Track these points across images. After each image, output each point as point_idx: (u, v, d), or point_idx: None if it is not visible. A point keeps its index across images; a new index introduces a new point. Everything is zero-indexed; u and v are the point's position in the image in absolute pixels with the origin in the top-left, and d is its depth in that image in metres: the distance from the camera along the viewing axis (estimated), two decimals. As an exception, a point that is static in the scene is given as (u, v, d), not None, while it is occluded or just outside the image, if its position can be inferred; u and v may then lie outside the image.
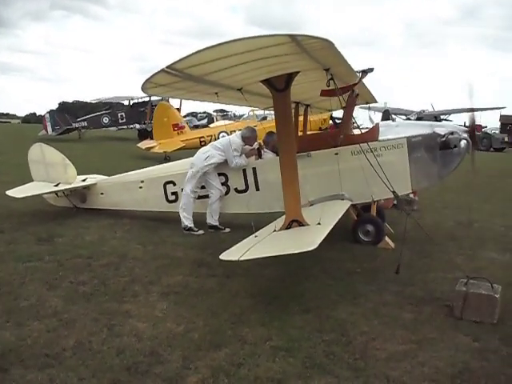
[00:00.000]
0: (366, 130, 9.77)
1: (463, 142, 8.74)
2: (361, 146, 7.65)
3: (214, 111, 61.54)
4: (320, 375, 4.43)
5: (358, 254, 8.22)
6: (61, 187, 10.72)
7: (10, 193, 10.48)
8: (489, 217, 12.07)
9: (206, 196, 9.71)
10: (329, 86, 6.08)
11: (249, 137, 9.57)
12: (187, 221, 9.58)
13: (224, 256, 5.66)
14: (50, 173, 11.03)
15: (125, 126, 36.81)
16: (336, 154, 8.66)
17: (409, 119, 46.50)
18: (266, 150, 9.66)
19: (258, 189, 9.40)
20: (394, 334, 5.25)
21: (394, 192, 7.58)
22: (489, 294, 5.61)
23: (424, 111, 49.48)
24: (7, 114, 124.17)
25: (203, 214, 9.81)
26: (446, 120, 47.90)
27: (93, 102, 46.49)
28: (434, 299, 6.30)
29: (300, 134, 10.65)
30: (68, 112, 45.47)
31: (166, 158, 20.48)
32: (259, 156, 9.60)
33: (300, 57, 5.07)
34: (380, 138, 8.93)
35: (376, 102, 12.87)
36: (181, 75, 5.00)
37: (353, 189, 8.77)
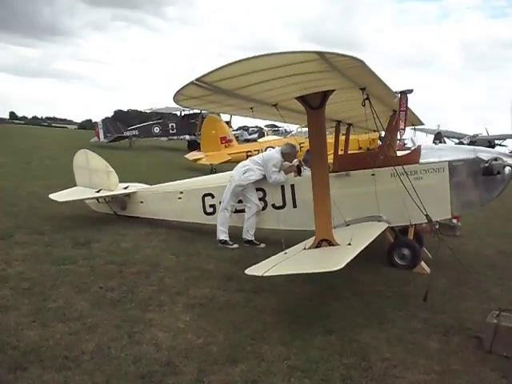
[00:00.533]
0: (408, 152, 9.58)
1: (508, 169, 8.49)
2: (395, 168, 7.51)
3: (265, 126, 61.82)
4: (334, 399, 4.33)
5: (392, 278, 8.04)
6: (102, 193, 10.95)
7: (52, 196, 10.78)
8: (536, 247, 11.59)
9: (243, 210, 9.71)
10: (364, 106, 6.00)
11: (289, 153, 9.55)
12: (223, 234, 9.61)
13: (250, 271, 5.65)
14: (93, 179, 11.29)
15: (175, 137, 37.39)
16: (373, 174, 8.50)
17: (461, 143, 45.53)
18: (305, 167, 9.61)
19: (295, 206, 9.35)
20: (417, 363, 5.09)
21: (427, 216, 7.39)
22: (521, 328, 5.37)
23: (478, 135, 48.29)
24: (65, 120, 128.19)
25: (240, 228, 9.82)
26: (500, 145, 46.68)
27: (146, 111, 47.36)
28: (463, 329, 6.08)
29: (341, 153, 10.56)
30: (122, 120, 46.61)
31: (212, 171, 20.61)
32: (298, 173, 9.54)
33: (332, 75, 5.03)
34: (421, 160, 8.76)
35: (422, 124, 12.68)
36: (211, 88, 5.04)
37: (391, 211, 8.60)
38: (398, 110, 6.92)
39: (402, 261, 8.65)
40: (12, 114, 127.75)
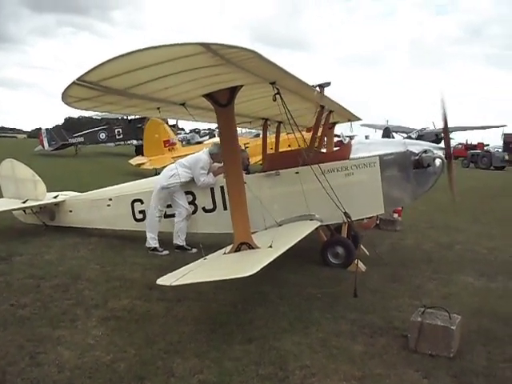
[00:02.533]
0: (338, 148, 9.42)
1: (438, 161, 8.39)
2: (319, 166, 7.32)
3: (216, 128, 61.52)
4: (242, 416, 4.03)
5: (324, 278, 7.82)
6: (28, 204, 10.40)
7: (-27, 209, 10.18)
8: (474, 238, 11.66)
9: (174, 215, 9.35)
10: (275, 101, 5.73)
11: (217, 153, 9.21)
12: (152, 241, 9.23)
13: (161, 280, 5.28)
14: (20, 189, 10.75)
15: (122, 142, 36.69)
16: (297, 173, 8.27)
17: (410, 137, 46.32)
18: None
19: (226, 208, 9.01)
20: (338, 369, 4.83)
21: (345, 213, 7.22)
22: (445, 325, 5.18)
23: (425, 129, 49.17)
24: (14, 129, 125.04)
25: (172, 234, 9.45)
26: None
27: (97, 117, 46.43)
28: (391, 329, 5.88)
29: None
30: (73, 128, 45.54)
31: (156, 175, 20.10)
32: (228, 174, 9.24)
33: (230, 69, 4.73)
34: (352, 156, 8.59)
35: (359, 119, 12.53)
36: (99, 88, 4.67)
37: (323, 209, 8.36)
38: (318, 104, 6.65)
39: (336, 259, 8.45)
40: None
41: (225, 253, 6.39)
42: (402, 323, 5.95)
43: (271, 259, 5.48)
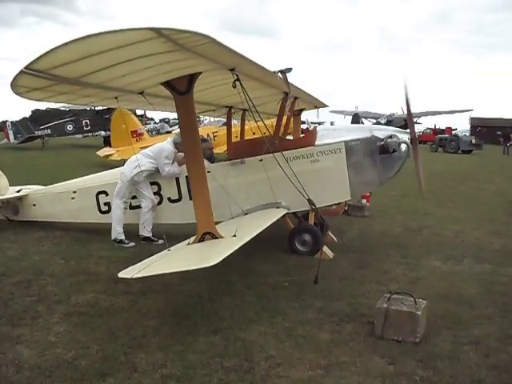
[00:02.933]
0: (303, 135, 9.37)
1: (403, 146, 8.40)
2: (284, 154, 7.27)
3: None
4: (206, 410, 3.96)
5: (291, 266, 7.78)
6: (-12, 199, 10.14)
7: None
8: (441, 222, 11.73)
9: (139, 206, 9.20)
10: (235, 87, 5.62)
11: (181, 142, 9.11)
12: (117, 233, 9.07)
13: (123, 273, 5.16)
14: (-19, 183, 10.44)
15: (90, 134, 36.09)
16: (261, 160, 8.21)
17: (379, 122, 46.64)
18: (201, 156, 9.20)
19: (191, 198, 8.88)
20: (303, 358, 4.79)
21: (309, 200, 7.21)
22: (410, 310, 5.17)
23: (394, 114, 49.49)
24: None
25: (137, 225, 9.30)
26: (416, 123, 48.03)
27: (65, 109, 45.51)
28: (359, 316, 5.85)
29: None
30: (40, 120, 44.65)
31: (124, 166, 19.81)
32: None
33: (185, 55, 4.61)
34: (318, 142, 8.54)
35: (325, 106, 12.52)
36: (49, 77, 4.50)
37: (289, 197, 8.31)
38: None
39: (304, 247, 8.41)
40: None
41: (189, 243, 6.29)
42: (369, 310, 5.92)
43: (234, 249, 5.42)
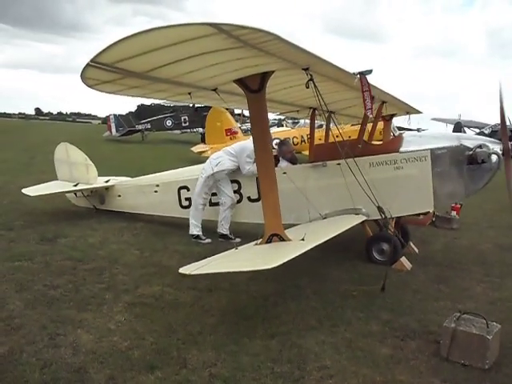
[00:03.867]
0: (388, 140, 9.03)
1: (494, 157, 7.86)
2: (348, 160, 7.02)
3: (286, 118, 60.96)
4: (246, 414, 3.85)
5: (365, 275, 7.49)
6: (78, 187, 10.61)
7: (25, 191, 10.47)
8: (538, 241, 10.87)
9: (219, 203, 9.26)
10: (308, 88, 5.47)
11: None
12: (195, 228, 9.17)
13: (184, 269, 5.17)
14: (73, 172, 10.98)
15: (188, 130, 37.03)
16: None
17: (482, 133, 44.37)
18: (282, 159, 9.13)
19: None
20: (358, 373, 4.56)
21: (379, 207, 6.88)
22: (480, 333, 4.79)
23: (499, 124, 46.74)
24: (89, 115, 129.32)
25: (216, 222, 9.37)
26: (525, 135, 45.33)
27: (170, 105, 47.10)
28: (425, 333, 5.51)
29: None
30: (143, 115, 46.39)
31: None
32: (275, 164, 9.05)
33: (250, 52, 4.51)
34: (402, 149, 8.19)
35: (418, 112, 12.03)
36: (115, 70, 4.57)
37: (370, 203, 8.00)
38: (362, 92, 6.32)
39: (381, 256, 8.07)
40: (37, 110, 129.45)
41: (256, 244, 6.21)
42: (439, 328, 5.51)
43: (298, 253, 5.28)
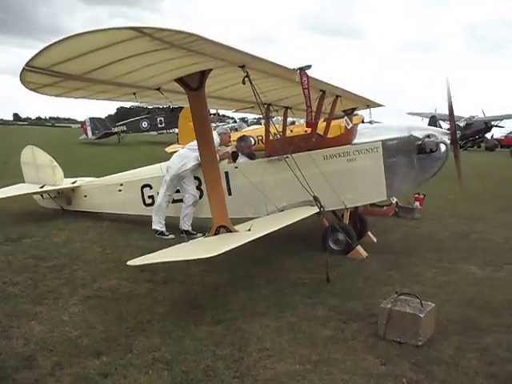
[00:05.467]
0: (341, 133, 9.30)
1: (442, 146, 8.16)
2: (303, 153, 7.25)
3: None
4: (182, 393, 4.07)
5: (320, 264, 7.64)
6: (44, 189, 10.75)
7: (-10, 194, 10.57)
8: (494, 228, 11.22)
9: (181, 200, 9.45)
10: (244, 84, 5.70)
11: (224, 133, 9.42)
12: (158, 225, 9.37)
13: (131, 262, 5.38)
14: (40, 174, 11.10)
15: (164, 131, 37.13)
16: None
17: (457, 125, 45.10)
18: (241, 154, 9.35)
19: (230, 193, 9.04)
20: (295, 353, 4.79)
21: (314, 197, 7.14)
22: (413, 312, 5.04)
23: (474, 117, 47.59)
24: (68, 119, 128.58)
25: (178, 218, 9.56)
26: (497, 126, 46.15)
27: (150, 107, 47.04)
28: (369, 316, 5.75)
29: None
30: (122, 118, 46.33)
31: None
32: (234, 160, 9.29)
33: (179, 53, 4.73)
34: (355, 141, 8.45)
35: (379, 105, 12.34)
36: (52, 74, 4.77)
37: (326, 195, 8.26)
38: (302, 88, 6.56)
39: (337, 246, 8.32)
40: (15, 116, 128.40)
41: (205, 236, 6.44)
42: (381, 310, 5.82)
43: (242, 243, 5.53)
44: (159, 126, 36.83)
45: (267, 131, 9.63)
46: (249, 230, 6.17)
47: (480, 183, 19.25)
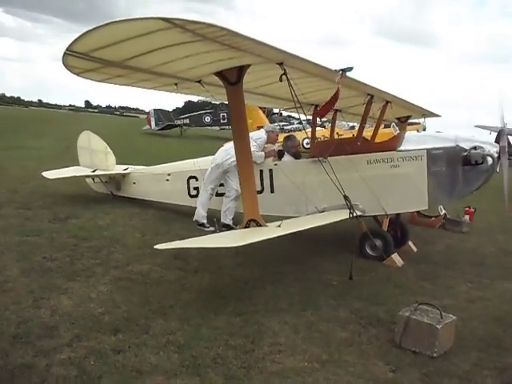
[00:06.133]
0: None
1: (489, 159, 7.97)
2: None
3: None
4: (188, 375, 4.20)
5: (354, 268, 7.63)
6: (96, 173, 11.16)
7: (45, 174, 11.08)
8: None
9: (224, 194, 9.61)
10: (281, 81, 5.75)
11: (272, 131, 9.52)
12: (200, 216, 9.55)
13: (158, 246, 5.58)
14: (93, 159, 11.54)
15: (226, 127, 37.58)
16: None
17: (525, 140, 43.58)
18: (286, 153, 9.42)
19: (272, 191, 9.14)
20: (307, 351, 4.83)
21: (345, 196, 7.08)
22: (430, 323, 4.98)
23: (544, 133, 45.65)
24: (137, 109, 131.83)
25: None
26: None
27: (216, 102, 47.69)
28: (389, 323, 5.67)
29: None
30: (189, 111, 47.18)
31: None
32: (279, 158, 9.37)
33: (214, 46, 4.84)
34: (400, 148, 8.37)
35: (435, 115, 12.14)
36: (92, 59, 4.98)
37: (364, 199, 8.25)
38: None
39: (373, 252, 8.26)
40: (87, 103, 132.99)
41: (237, 228, 6.56)
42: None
43: (269, 237, 5.62)
44: (221, 121, 37.28)
45: (314, 132, 9.66)
46: (279, 225, 6.24)
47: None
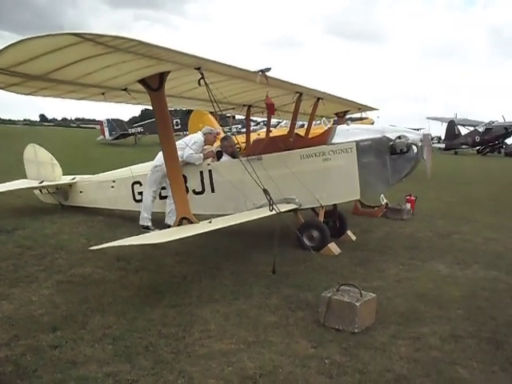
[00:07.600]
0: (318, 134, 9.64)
1: (414, 147, 8.48)
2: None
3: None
4: (120, 363, 4.49)
5: (291, 259, 8.06)
6: (43, 184, 11.30)
7: (-9, 188, 11.16)
8: (479, 229, 11.40)
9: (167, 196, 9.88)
10: (200, 85, 6.08)
11: (209, 132, 9.83)
12: (145, 220, 9.80)
13: (93, 247, 5.84)
14: (40, 171, 11.65)
15: (180, 132, 37.65)
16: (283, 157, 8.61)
17: (476, 130, 45.32)
18: (224, 153, 9.75)
19: (213, 191, 9.47)
20: (234, 334, 5.18)
21: (264, 190, 7.45)
22: (350, 301, 5.38)
23: (493, 122, 47.43)
24: (93, 120, 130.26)
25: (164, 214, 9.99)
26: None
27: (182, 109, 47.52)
28: (318, 305, 6.08)
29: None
30: (147, 119, 47.07)
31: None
32: (218, 159, 9.70)
33: (127, 56, 5.16)
34: (331, 141, 8.81)
35: (372, 109, 12.65)
36: (14, 74, 5.23)
37: (300, 193, 8.66)
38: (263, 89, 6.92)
39: (311, 242, 8.64)
40: (42, 117, 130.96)
41: (170, 227, 6.87)
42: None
43: (196, 233, 5.93)
44: (175, 127, 37.36)
45: (248, 132, 10.02)
46: (210, 222, 6.57)
47: (485, 188, 19.40)
